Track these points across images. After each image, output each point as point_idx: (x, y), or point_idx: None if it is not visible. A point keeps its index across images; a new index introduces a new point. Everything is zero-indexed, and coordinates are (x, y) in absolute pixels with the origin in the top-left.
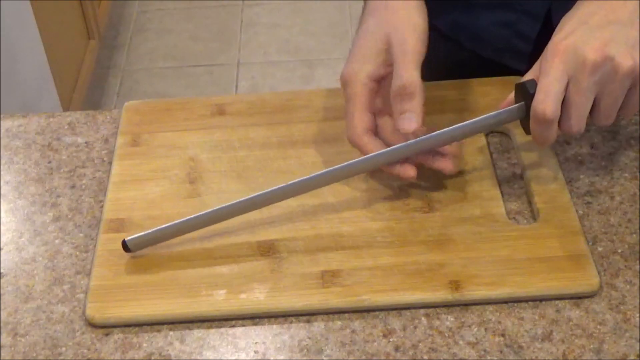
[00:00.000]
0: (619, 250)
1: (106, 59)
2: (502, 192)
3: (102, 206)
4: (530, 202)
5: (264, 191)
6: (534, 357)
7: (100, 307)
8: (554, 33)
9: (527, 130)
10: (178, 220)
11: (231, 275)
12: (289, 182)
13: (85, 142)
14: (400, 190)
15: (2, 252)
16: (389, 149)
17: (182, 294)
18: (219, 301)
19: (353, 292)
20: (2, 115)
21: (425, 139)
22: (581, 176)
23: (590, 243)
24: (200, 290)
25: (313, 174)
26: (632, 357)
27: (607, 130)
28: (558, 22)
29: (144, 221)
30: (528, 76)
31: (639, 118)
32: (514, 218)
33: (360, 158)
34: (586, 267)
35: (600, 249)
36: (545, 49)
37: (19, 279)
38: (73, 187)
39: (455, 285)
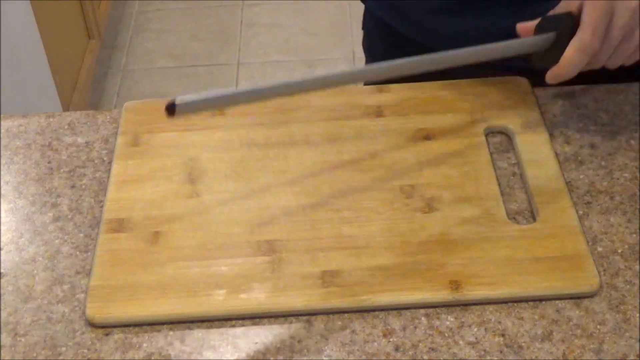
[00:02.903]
0: (619, 250)
1: (106, 59)
2: (502, 192)
3: (102, 206)
4: (530, 202)
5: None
6: (534, 357)
7: (100, 307)
8: None
9: (544, 63)
10: (229, 90)
11: (231, 275)
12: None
13: (85, 142)
14: (401, 190)
15: (2, 252)
16: (404, 60)
17: (182, 294)
18: (219, 301)
19: (353, 292)
20: (2, 115)
21: (443, 56)
22: (581, 176)
23: (590, 243)
24: (200, 290)
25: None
26: (632, 357)
27: (607, 130)
28: None
29: (144, 221)
30: (560, 10)
31: (639, 118)
32: (514, 218)
33: (373, 65)
34: (586, 267)
35: (600, 249)
36: None
37: (19, 279)
38: (73, 187)
39: (455, 285)
